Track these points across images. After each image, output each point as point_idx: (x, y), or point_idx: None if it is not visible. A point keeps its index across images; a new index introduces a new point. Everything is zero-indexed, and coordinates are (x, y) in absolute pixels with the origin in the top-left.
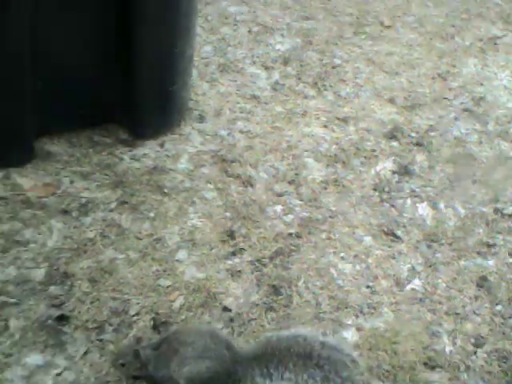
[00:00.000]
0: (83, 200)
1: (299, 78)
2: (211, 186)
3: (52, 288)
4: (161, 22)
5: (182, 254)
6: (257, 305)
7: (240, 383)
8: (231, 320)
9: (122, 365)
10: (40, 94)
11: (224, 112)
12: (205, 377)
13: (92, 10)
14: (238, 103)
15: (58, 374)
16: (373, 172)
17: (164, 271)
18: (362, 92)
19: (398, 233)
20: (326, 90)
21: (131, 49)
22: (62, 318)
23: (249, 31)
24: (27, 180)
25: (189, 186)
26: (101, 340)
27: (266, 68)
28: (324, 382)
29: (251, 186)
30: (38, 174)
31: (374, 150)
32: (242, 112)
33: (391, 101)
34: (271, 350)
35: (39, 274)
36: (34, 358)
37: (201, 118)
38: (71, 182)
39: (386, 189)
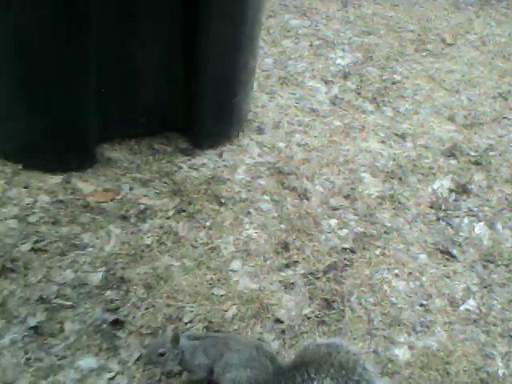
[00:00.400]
0: (142, 207)
1: (358, 93)
2: (267, 198)
3: (108, 292)
4: (226, 34)
5: (236, 264)
6: (309, 318)
7: None
8: (283, 332)
9: (161, 354)
10: (103, 101)
11: (282, 124)
12: None
13: (160, 22)
14: (297, 116)
15: (111, 379)
16: (430, 189)
17: (218, 280)
18: (422, 109)
19: (454, 252)
20: (384, 105)
21: (196, 59)
22: (117, 323)
23: (310, 45)
24: (87, 185)
25: (245, 197)
26: None
27: (326, 82)
28: None
29: (307, 198)
30: (99, 180)
31: (431, 168)
32: (300, 125)
33: (451, 119)
34: (310, 356)
35: (96, 278)
36: (87, 362)
37: (259, 130)
38: (131, 188)
39: (443, 207)
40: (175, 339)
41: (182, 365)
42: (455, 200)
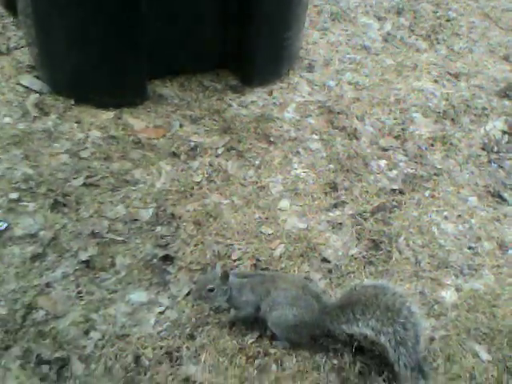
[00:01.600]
0: (192, 144)
1: (412, 30)
2: (316, 137)
3: (158, 228)
4: None
5: (284, 203)
6: (356, 258)
7: (327, 332)
8: (330, 271)
9: (210, 290)
10: (155, 38)
11: (333, 62)
12: (291, 323)
13: None
14: (348, 54)
15: (161, 313)
16: (482, 131)
17: (266, 219)
18: (476, 47)
19: (505, 195)
20: (438, 43)
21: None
22: (167, 258)
23: None
24: (139, 121)
25: (294, 136)
26: None
27: (379, 18)
28: (402, 345)
29: (356, 138)
30: (150, 116)
31: (484, 109)
32: (351, 63)
33: (506, 58)
34: (357, 298)
35: (146, 214)
36: (138, 295)
37: (310, 68)
38: (181, 125)
39: (495, 149)
40: (224, 276)
41: (230, 301)
42: (507, 142)
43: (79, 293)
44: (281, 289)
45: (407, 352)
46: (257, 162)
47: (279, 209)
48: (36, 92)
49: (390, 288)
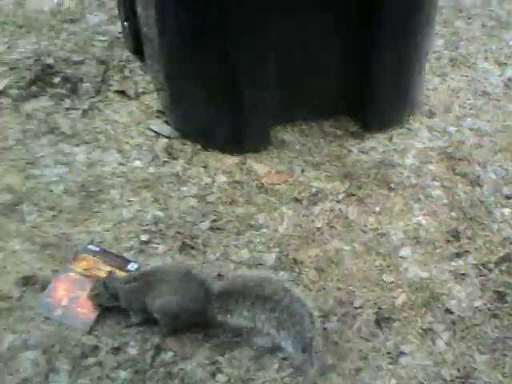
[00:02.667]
0: (313, 189)
1: None
2: (437, 184)
3: (281, 273)
4: (402, 17)
5: (405, 251)
6: (480, 310)
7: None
8: (453, 323)
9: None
10: (278, 86)
11: (453, 108)
12: (174, 311)
13: (336, 5)
14: (469, 99)
15: (284, 358)
16: None
17: (387, 266)
18: None
19: None
20: None
21: (370, 42)
22: None
23: (482, 26)
24: (262, 166)
25: (415, 182)
26: (325, 329)
27: (499, 64)
28: (278, 328)
29: (479, 186)
30: (273, 162)
31: None
32: (471, 109)
33: None
34: (234, 289)
35: (270, 258)
36: (262, 340)
37: (430, 114)
38: (302, 170)
39: None
40: (105, 287)
41: (126, 307)
42: None
43: (205, 335)
44: (164, 281)
45: (294, 335)
46: (377, 209)
47: (400, 256)
48: (165, 137)
49: (273, 277)
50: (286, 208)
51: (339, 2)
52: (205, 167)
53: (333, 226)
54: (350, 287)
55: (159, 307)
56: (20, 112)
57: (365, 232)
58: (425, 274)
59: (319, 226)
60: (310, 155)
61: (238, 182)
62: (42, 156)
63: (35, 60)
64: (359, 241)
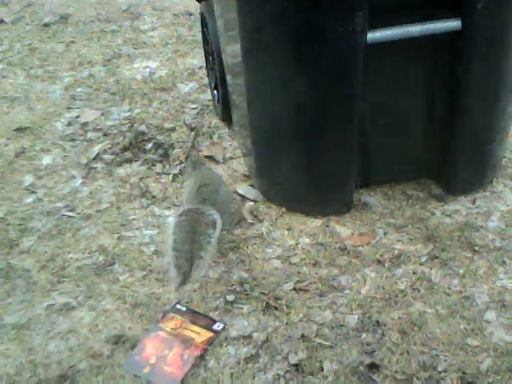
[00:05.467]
0: (395, 251)
1: None
2: None
3: (364, 335)
4: (487, 83)
5: (490, 315)
6: None
7: None
8: None
9: None
10: (362, 149)
11: None
12: None
13: (421, 70)
14: None
15: None
16: None
17: (472, 330)
18: None
19: None
20: None
21: (453, 107)
22: (373, 366)
23: None
24: (345, 229)
25: (499, 246)
26: None
27: None
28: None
29: None
30: (355, 224)
31: None
32: None
33: None
34: None
35: (352, 320)
36: None
37: None
38: (385, 233)
39: None
40: None
41: None
42: None
43: None
44: None
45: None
46: (461, 271)
47: (485, 320)
48: (251, 200)
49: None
50: (369, 270)
51: (424, 66)
52: (289, 229)
53: (416, 289)
54: (434, 351)
55: None
56: (113, 176)
57: (449, 295)
58: (511, 339)
59: (402, 288)
60: (392, 217)
61: (321, 244)
62: (133, 218)
63: (129, 126)
64: (443, 304)
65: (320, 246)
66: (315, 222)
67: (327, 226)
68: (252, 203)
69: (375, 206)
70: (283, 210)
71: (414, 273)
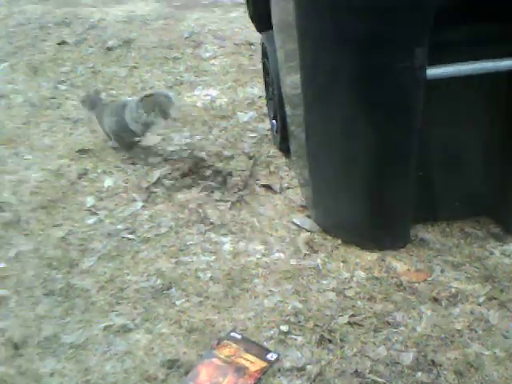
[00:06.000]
0: (452, 290)
1: None
2: None
3: (419, 374)
4: None
5: None
6: None
7: None
8: None
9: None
10: (420, 184)
11: None
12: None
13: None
14: None
15: None
16: None
17: None
18: None
19: None
20: None
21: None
22: None
23: None
24: (401, 264)
25: None
26: None
27: None
28: None
29: None
30: (412, 260)
31: None
32: None
33: None
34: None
35: (407, 358)
36: None
37: None
38: (442, 270)
39: None
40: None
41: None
42: None
43: None
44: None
45: None
46: None
47: None
48: (307, 231)
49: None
50: (425, 307)
51: (486, 100)
52: (344, 262)
53: (473, 330)
54: None
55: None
56: (173, 201)
57: (506, 338)
58: None
59: (459, 328)
60: (450, 255)
61: (376, 279)
62: (191, 244)
63: (189, 153)
64: (501, 346)
65: (375, 281)
66: (371, 256)
67: (383, 260)
68: (308, 234)
69: (432, 242)
70: (339, 241)
71: (472, 313)
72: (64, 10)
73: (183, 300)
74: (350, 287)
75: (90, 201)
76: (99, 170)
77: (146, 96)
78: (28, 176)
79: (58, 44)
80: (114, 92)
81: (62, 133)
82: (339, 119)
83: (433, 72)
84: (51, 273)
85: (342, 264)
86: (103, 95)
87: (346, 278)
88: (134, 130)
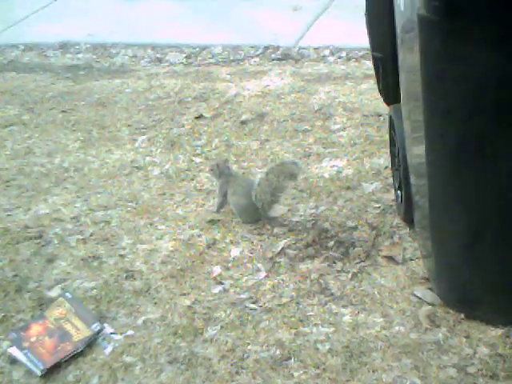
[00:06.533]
0: None
1: None
2: None
3: None
4: None
5: None
6: None
7: None
8: None
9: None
10: None
11: None
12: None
13: None
14: None
15: None
16: None
17: None
18: None
19: None
20: None
21: None
22: None
23: None
24: None
25: None
26: None
27: None
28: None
29: None
30: None
31: None
32: None
33: None
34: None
35: None
36: None
37: None
38: None
39: None
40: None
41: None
42: None
43: None
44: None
45: None
46: None
47: None
48: (428, 304)
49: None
50: None
51: None
52: (467, 337)
53: None
54: None
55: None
56: (296, 271)
57: None
58: None
59: None
60: None
61: (500, 356)
62: (311, 315)
63: (313, 223)
64: None
65: (499, 358)
66: (495, 331)
67: (508, 336)
68: (429, 307)
69: None
70: (462, 316)
71: None
72: (202, 84)
73: (301, 372)
74: (472, 364)
75: (216, 270)
76: (227, 240)
77: (277, 165)
78: (160, 245)
79: (196, 118)
80: (245, 164)
81: (194, 204)
82: (460, 191)
83: None
84: (176, 341)
85: (464, 339)
86: (234, 167)
87: (468, 354)
88: (260, 207)
